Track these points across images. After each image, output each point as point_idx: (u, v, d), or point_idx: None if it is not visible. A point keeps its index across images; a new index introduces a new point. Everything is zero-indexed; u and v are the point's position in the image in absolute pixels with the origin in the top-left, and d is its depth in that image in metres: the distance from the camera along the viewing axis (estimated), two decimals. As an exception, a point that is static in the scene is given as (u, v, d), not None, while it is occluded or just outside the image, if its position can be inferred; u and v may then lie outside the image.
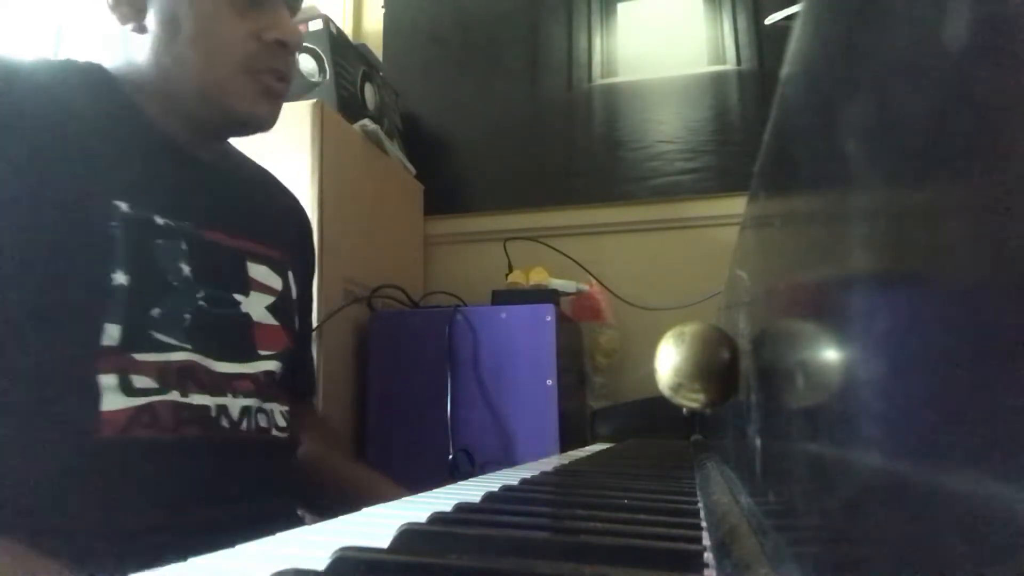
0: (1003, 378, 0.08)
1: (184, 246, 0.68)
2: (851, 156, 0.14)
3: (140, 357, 0.62)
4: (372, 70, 1.54)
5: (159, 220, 0.67)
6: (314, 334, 1.05)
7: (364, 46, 1.59)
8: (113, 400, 0.60)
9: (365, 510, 0.40)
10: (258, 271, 0.77)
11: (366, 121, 1.38)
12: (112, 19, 0.69)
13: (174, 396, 0.64)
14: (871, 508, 0.13)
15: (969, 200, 0.09)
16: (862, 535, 0.14)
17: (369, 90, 1.50)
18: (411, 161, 1.61)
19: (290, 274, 0.82)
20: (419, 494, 0.47)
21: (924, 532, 0.10)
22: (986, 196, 0.08)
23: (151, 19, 0.69)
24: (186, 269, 0.68)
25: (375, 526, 0.34)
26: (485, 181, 1.72)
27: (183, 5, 0.68)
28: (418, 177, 1.66)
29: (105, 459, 0.58)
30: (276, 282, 0.79)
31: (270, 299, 0.78)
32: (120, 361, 0.61)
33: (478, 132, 1.74)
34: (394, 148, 1.51)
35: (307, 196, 1.16)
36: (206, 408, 0.66)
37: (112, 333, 0.61)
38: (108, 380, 0.60)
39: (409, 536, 0.30)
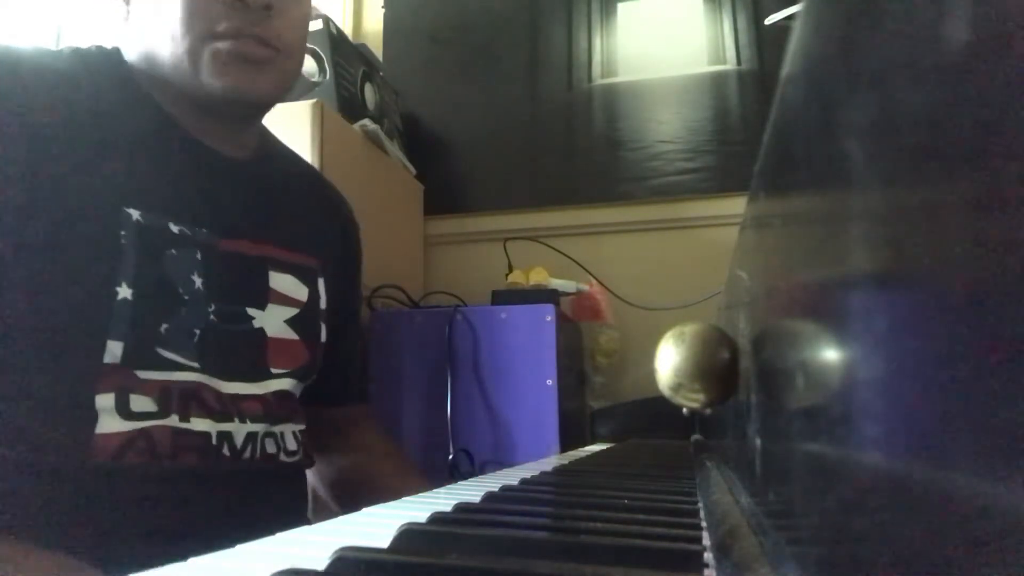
0: (1003, 378, 0.08)
1: (198, 256, 0.64)
2: (851, 156, 0.14)
3: (143, 375, 0.59)
4: (372, 70, 1.54)
5: (174, 228, 0.63)
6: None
7: (364, 46, 1.59)
8: (109, 423, 0.57)
9: (365, 510, 0.40)
10: (281, 281, 0.72)
11: (366, 121, 1.38)
12: (115, 12, 0.67)
13: (173, 421, 0.60)
14: (871, 508, 0.13)
15: (969, 200, 0.09)
16: (862, 535, 0.14)
17: (369, 90, 1.50)
18: (411, 161, 1.61)
19: (321, 282, 0.77)
20: (419, 494, 0.47)
21: (924, 532, 0.10)
22: (986, 196, 0.08)
23: (134, 6, 0.66)
24: (198, 281, 0.64)
25: (375, 526, 0.34)
26: (485, 181, 1.72)
27: None
28: (418, 177, 1.66)
29: (98, 486, 0.56)
30: (301, 293, 0.75)
31: (292, 311, 0.73)
32: (120, 379, 0.58)
33: (478, 132, 1.74)
34: (394, 148, 1.51)
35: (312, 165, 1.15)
36: (207, 435, 0.63)
37: (114, 350, 0.57)
38: (105, 401, 0.57)
39: (409, 536, 0.30)
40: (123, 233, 0.60)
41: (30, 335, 0.55)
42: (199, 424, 0.63)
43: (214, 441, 0.64)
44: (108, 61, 0.67)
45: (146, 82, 0.67)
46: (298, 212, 0.79)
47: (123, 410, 0.58)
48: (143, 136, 0.65)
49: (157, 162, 0.65)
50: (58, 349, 0.56)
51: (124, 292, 0.59)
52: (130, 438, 0.58)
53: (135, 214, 0.61)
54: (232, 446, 0.65)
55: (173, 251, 0.63)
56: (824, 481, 0.17)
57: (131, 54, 0.68)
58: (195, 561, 0.27)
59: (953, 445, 0.09)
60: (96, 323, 0.57)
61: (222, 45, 0.64)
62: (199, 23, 0.64)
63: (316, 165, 1.19)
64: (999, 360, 0.08)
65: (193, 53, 0.64)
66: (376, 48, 1.77)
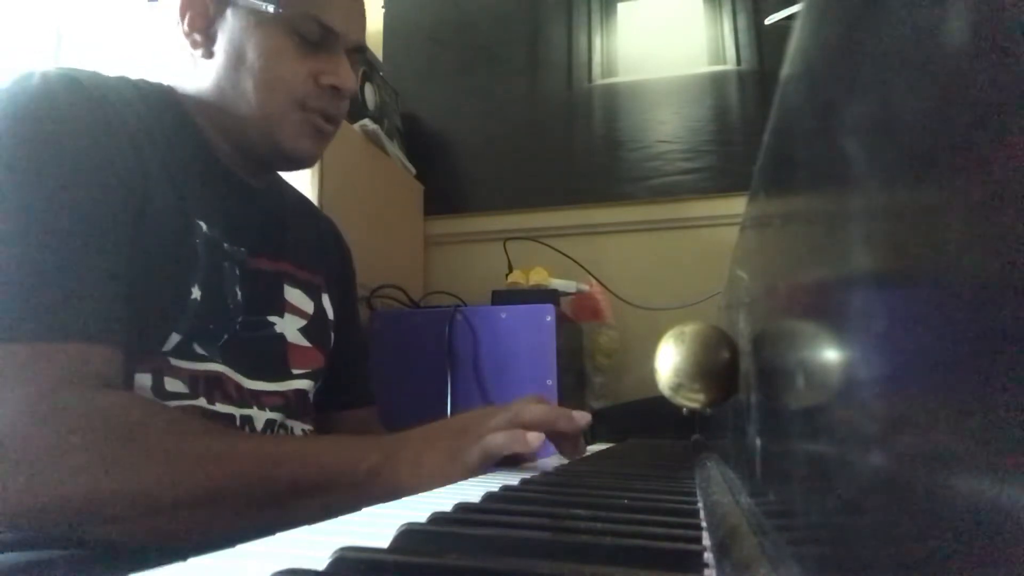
0: (1003, 378, 0.08)
1: (237, 272, 0.72)
2: (851, 156, 0.14)
3: (175, 362, 0.65)
4: (372, 70, 1.54)
5: (225, 244, 0.71)
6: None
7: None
8: None
9: (365, 510, 0.40)
10: (293, 294, 0.80)
11: (366, 121, 1.38)
12: (185, 43, 0.73)
13: (201, 403, 0.66)
14: (871, 508, 0.13)
15: (969, 200, 0.09)
16: (862, 535, 0.14)
17: (369, 90, 1.50)
18: (411, 161, 1.61)
19: (324, 297, 0.86)
20: (419, 494, 0.47)
21: (924, 532, 0.10)
22: (986, 196, 0.08)
23: (219, 47, 0.72)
24: (239, 294, 0.71)
25: (375, 526, 0.34)
26: (485, 181, 1.72)
27: (250, 39, 0.71)
28: (418, 177, 1.66)
29: None
30: (309, 306, 0.83)
31: (303, 322, 0.81)
32: (157, 362, 0.63)
33: (478, 132, 1.74)
34: (394, 148, 1.51)
35: (308, 197, 1.16)
36: (231, 417, 0.69)
37: (172, 342, 0.63)
38: (143, 380, 0.62)
39: (409, 536, 0.30)
40: (197, 241, 0.67)
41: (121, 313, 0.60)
42: (223, 408, 0.68)
43: (237, 423, 0.69)
44: (157, 92, 0.74)
45: (195, 115, 0.74)
46: (304, 234, 0.88)
47: (158, 390, 0.63)
48: (196, 163, 0.72)
49: (210, 186, 0.72)
50: (133, 331, 0.61)
51: (196, 293, 0.66)
52: None
53: (203, 226, 0.68)
54: (253, 430, 0.71)
55: (226, 264, 0.71)
56: (824, 481, 0.17)
57: (193, 87, 0.75)
58: (195, 561, 0.27)
59: (953, 445, 0.09)
60: (170, 317, 0.64)
61: (316, 120, 0.74)
62: (293, 92, 0.72)
63: (316, 165, 1.19)
64: (999, 360, 0.08)
65: (281, 115, 0.73)
66: (376, 48, 1.78)
